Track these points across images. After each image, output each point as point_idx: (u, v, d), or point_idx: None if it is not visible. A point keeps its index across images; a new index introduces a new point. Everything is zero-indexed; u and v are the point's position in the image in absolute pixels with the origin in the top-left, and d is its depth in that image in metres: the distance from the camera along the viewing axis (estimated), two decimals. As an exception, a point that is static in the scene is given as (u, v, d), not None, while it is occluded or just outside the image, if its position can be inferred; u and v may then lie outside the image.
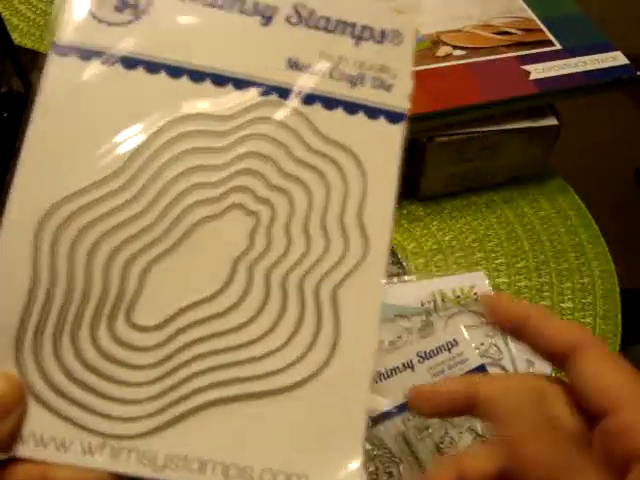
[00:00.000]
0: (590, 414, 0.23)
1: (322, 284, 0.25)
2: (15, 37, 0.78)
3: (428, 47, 0.58)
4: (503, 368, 0.47)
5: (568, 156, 0.63)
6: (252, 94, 0.26)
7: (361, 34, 0.28)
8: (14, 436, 0.23)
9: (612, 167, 0.66)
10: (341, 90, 0.27)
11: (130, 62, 0.26)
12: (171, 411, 0.24)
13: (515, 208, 0.60)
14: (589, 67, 0.56)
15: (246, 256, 0.25)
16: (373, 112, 0.27)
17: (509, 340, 0.49)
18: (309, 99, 0.27)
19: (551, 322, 0.26)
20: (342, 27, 0.28)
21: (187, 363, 0.24)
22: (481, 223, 0.59)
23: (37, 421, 0.23)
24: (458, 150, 0.56)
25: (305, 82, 0.27)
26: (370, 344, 0.25)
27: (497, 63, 0.57)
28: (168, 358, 0.24)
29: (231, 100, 0.26)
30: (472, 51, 0.58)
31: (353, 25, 0.28)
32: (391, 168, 0.27)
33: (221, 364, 0.24)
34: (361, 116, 0.27)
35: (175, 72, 0.26)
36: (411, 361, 0.45)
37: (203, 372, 0.24)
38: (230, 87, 0.26)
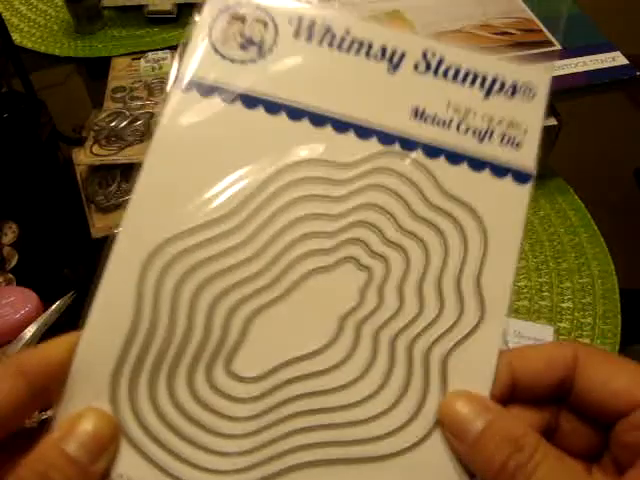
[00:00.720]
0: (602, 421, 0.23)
1: (433, 349, 0.24)
2: (15, 37, 0.78)
3: (428, 47, 0.58)
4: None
5: (568, 156, 0.63)
6: (374, 143, 0.25)
7: (491, 86, 0.26)
8: (105, 476, 0.22)
9: (612, 167, 0.66)
10: (467, 144, 0.26)
11: (251, 101, 0.25)
12: (262, 469, 0.23)
13: (515, 208, 0.60)
14: (589, 67, 0.56)
15: (355, 313, 0.24)
16: (500, 170, 0.26)
17: (508, 340, 0.49)
18: (433, 152, 0.26)
19: (534, 352, 0.24)
20: (472, 78, 0.26)
21: (285, 419, 0.23)
22: (481, 223, 0.59)
23: (126, 463, 0.23)
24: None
25: (430, 134, 0.26)
26: None
27: (497, 63, 0.57)
28: (265, 412, 0.23)
29: (352, 147, 0.25)
30: (472, 51, 0.58)
31: (484, 76, 0.26)
32: (515, 231, 0.25)
33: (321, 424, 0.24)
34: (487, 173, 0.26)
35: (296, 114, 0.25)
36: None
37: (301, 430, 0.23)
38: (351, 134, 0.25)
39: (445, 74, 0.26)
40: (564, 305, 0.53)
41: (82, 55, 0.78)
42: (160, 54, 0.75)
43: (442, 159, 0.25)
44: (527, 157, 0.27)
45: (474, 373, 0.24)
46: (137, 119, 0.64)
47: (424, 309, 0.25)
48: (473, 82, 0.26)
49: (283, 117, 0.25)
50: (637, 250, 0.59)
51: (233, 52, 0.26)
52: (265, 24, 0.26)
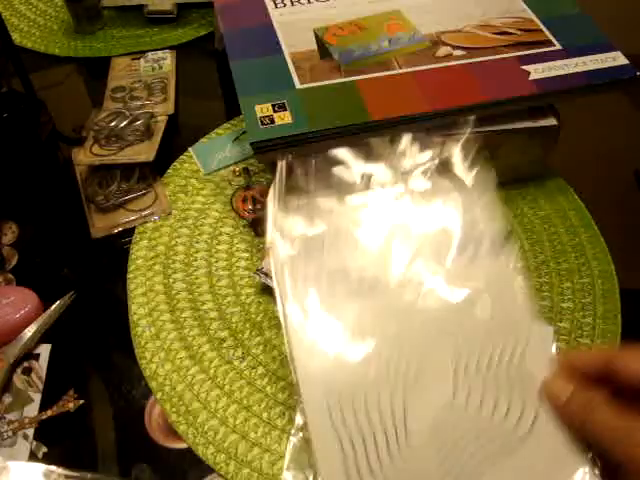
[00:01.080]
0: None
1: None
2: (15, 37, 0.78)
3: (428, 47, 0.58)
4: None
5: (568, 156, 0.63)
6: None
7: None
8: None
9: (612, 167, 0.66)
10: None
11: None
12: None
13: (515, 208, 0.60)
14: (589, 67, 0.56)
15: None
16: None
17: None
18: None
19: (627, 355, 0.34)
20: None
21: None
22: (481, 223, 0.59)
23: None
24: (458, 150, 0.56)
25: None
26: None
27: (497, 63, 0.57)
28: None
29: None
30: (472, 51, 0.58)
31: None
32: None
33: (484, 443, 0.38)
34: None
35: None
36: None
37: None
38: None
39: None
40: (564, 305, 0.53)
41: (82, 55, 0.78)
42: (160, 54, 0.75)
43: None
44: None
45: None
46: (137, 119, 0.64)
47: None
48: None
49: None
50: (637, 250, 0.59)
51: None
52: None
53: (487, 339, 0.40)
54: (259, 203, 0.59)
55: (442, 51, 0.58)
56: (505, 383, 0.39)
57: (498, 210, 0.44)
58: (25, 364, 0.50)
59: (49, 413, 0.47)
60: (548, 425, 0.36)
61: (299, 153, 0.50)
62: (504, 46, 0.58)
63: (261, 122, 0.52)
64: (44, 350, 0.51)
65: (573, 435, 0.36)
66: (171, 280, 0.55)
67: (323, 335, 0.41)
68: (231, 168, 0.64)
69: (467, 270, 0.43)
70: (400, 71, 0.56)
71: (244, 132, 0.66)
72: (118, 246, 0.58)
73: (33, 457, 0.45)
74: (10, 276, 0.56)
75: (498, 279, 0.43)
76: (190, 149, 0.66)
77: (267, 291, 0.53)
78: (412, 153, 0.48)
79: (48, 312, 0.52)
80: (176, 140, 0.67)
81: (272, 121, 0.52)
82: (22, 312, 0.51)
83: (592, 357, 0.36)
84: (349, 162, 0.48)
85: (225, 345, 0.51)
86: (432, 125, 0.54)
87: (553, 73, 0.56)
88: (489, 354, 0.40)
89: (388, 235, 0.45)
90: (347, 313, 0.41)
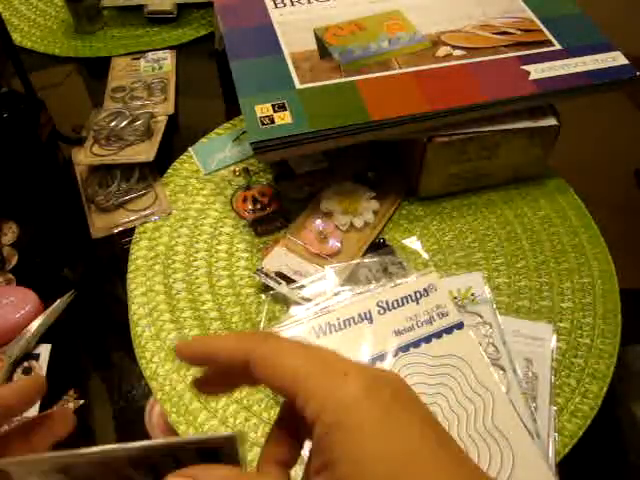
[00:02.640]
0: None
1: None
2: (15, 37, 0.78)
3: (428, 47, 0.58)
4: (502, 367, 0.47)
5: (568, 156, 0.63)
6: None
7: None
8: None
9: (612, 167, 0.66)
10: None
11: None
12: None
13: (515, 208, 0.60)
14: (589, 67, 0.56)
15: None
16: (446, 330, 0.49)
17: (506, 339, 0.49)
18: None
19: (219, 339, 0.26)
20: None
21: None
22: (481, 223, 0.59)
23: None
24: (458, 150, 0.56)
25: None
26: None
27: (497, 63, 0.57)
28: None
29: None
30: (472, 51, 0.58)
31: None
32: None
33: None
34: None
35: None
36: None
37: None
38: None
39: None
40: (564, 305, 0.53)
41: (82, 55, 0.77)
42: (160, 54, 0.75)
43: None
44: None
45: None
46: (137, 119, 0.64)
47: None
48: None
49: None
50: (637, 250, 0.59)
51: None
52: None
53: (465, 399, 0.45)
54: (259, 203, 0.59)
55: (442, 51, 0.58)
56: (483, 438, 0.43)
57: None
58: (25, 364, 0.50)
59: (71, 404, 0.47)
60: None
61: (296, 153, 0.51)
62: (504, 46, 0.58)
63: (261, 122, 0.52)
64: (44, 350, 0.50)
65: None
66: (171, 280, 0.55)
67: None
68: (231, 168, 0.64)
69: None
70: (400, 71, 0.56)
71: (244, 132, 0.66)
72: (118, 246, 0.58)
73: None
74: (10, 276, 0.56)
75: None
76: (190, 149, 0.66)
77: (267, 291, 0.53)
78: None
79: (48, 312, 0.52)
80: (176, 140, 0.67)
81: (272, 121, 0.52)
82: (22, 312, 0.51)
83: (226, 346, 0.26)
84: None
85: (225, 345, 0.51)
86: (432, 125, 0.54)
87: (553, 73, 0.56)
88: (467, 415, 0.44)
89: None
90: None
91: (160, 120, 0.65)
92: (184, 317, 0.53)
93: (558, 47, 0.58)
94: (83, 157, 0.62)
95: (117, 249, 0.58)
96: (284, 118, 0.52)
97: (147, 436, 0.46)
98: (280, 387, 0.24)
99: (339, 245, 0.55)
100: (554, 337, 0.50)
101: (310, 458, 0.24)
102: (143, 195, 0.61)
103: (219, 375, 0.27)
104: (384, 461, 0.21)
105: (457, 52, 0.57)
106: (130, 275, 0.55)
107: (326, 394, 0.23)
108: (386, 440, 0.22)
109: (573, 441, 0.45)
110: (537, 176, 0.62)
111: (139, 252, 0.57)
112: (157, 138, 0.63)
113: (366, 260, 0.54)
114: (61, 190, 0.63)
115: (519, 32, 0.60)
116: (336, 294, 0.51)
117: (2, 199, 0.60)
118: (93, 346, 0.52)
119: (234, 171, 0.63)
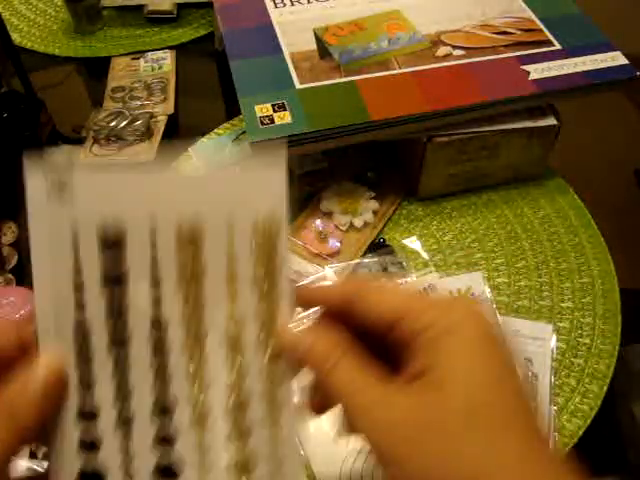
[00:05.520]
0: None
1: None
2: (15, 37, 0.78)
3: (428, 47, 0.58)
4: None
5: (568, 156, 0.63)
6: None
7: None
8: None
9: (612, 167, 0.66)
10: None
11: None
12: None
13: (515, 208, 0.60)
14: (589, 67, 0.56)
15: None
16: None
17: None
18: None
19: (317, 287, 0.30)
20: None
21: None
22: (481, 223, 0.59)
23: None
24: (458, 150, 0.56)
25: None
26: None
27: (497, 63, 0.57)
28: None
29: None
30: (472, 51, 0.58)
31: None
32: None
33: None
34: None
35: None
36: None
37: None
38: None
39: None
40: (564, 305, 0.53)
41: (82, 55, 0.77)
42: (160, 54, 0.75)
43: None
44: None
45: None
46: (137, 119, 0.64)
47: None
48: None
49: None
50: (637, 250, 0.59)
51: None
52: None
53: None
54: (259, 203, 0.59)
55: (442, 51, 0.58)
56: None
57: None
58: (25, 364, 0.50)
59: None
60: None
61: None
62: (504, 46, 0.58)
63: (261, 122, 0.52)
64: (44, 350, 0.50)
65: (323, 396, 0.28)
66: (171, 280, 0.55)
67: None
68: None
69: None
70: (400, 71, 0.56)
71: (244, 132, 0.66)
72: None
73: (33, 457, 0.45)
74: (10, 276, 0.56)
75: None
76: (190, 149, 0.66)
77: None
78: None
79: (48, 312, 0.52)
80: (176, 140, 0.67)
81: (272, 121, 0.52)
82: (22, 312, 0.51)
83: (334, 292, 0.29)
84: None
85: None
86: (432, 125, 0.54)
87: (553, 73, 0.56)
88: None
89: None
90: None
91: (160, 120, 0.65)
92: (184, 317, 0.52)
93: (558, 47, 0.58)
94: (83, 157, 0.62)
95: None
96: (284, 118, 0.52)
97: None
98: (384, 319, 0.26)
99: (339, 245, 0.55)
100: (554, 337, 0.50)
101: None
102: (143, 195, 0.61)
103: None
104: (471, 384, 0.24)
105: (457, 52, 0.57)
106: (130, 275, 0.55)
107: (436, 314, 0.25)
108: (481, 366, 0.25)
109: (573, 441, 0.45)
110: (537, 176, 0.62)
111: (139, 252, 0.57)
112: (157, 138, 0.63)
113: (366, 260, 0.54)
114: (61, 190, 0.63)
115: (519, 32, 0.60)
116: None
117: (2, 199, 0.60)
118: (93, 346, 0.52)
119: (234, 171, 0.63)
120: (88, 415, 0.27)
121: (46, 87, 0.72)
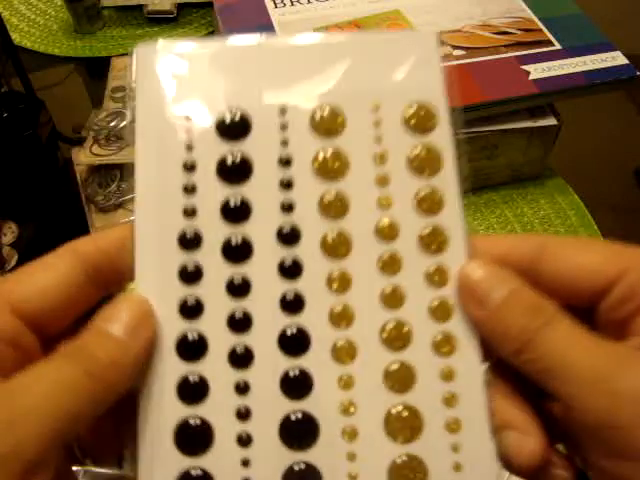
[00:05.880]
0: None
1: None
2: (15, 37, 0.78)
3: (428, 47, 0.58)
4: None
5: (568, 156, 0.63)
6: None
7: None
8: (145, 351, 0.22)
9: (612, 167, 0.66)
10: None
11: None
12: None
13: (515, 208, 0.60)
14: (589, 67, 0.56)
15: None
16: None
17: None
18: None
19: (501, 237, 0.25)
20: None
21: None
22: (481, 223, 0.59)
23: None
24: (458, 150, 0.56)
25: None
26: None
27: (497, 63, 0.57)
28: None
29: None
30: (472, 51, 0.58)
31: None
32: None
33: None
34: None
35: None
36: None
37: None
38: None
39: None
40: (564, 305, 0.53)
41: (82, 55, 0.77)
42: (160, 54, 0.75)
43: None
44: None
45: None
46: (137, 119, 0.64)
47: None
48: None
49: None
50: (637, 250, 0.59)
51: None
52: None
53: None
54: (259, 203, 0.59)
55: (441, 51, 0.58)
56: None
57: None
58: (25, 364, 0.50)
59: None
60: None
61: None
62: (504, 46, 0.58)
63: (261, 122, 0.52)
64: (44, 350, 0.50)
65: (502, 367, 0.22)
66: (171, 280, 0.55)
67: None
68: (231, 168, 0.64)
69: None
70: (400, 71, 0.56)
71: (244, 132, 0.66)
72: (118, 246, 0.58)
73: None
74: (10, 276, 0.56)
75: None
76: (190, 149, 0.66)
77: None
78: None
79: (48, 312, 0.52)
80: (176, 140, 0.67)
81: (272, 121, 0.52)
82: (22, 312, 0.51)
83: (518, 245, 0.23)
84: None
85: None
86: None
87: (553, 73, 0.56)
88: None
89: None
90: None
91: (160, 120, 0.65)
92: (184, 317, 0.52)
93: (558, 47, 0.58)
94: (83, 157, 0.62)
95: (117, 249, 0.58)
96: (284, 118, 0.52)
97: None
98: (588, 283, 0.21)
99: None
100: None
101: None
102: (143, 195, 0.61)
103: None
104: None
105: (457, 52, 0.57)
106: (130, 275, 0.55)
107: None
108: None
109: (573, 441, 0.45)
110: (537, 176, 0.62)
111: (139, 252, 0.57)
112: (157, 138, 0.63)
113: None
114: (61, 190, 0.63)
115: (519, 32, 0.60)
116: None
117: (2, 199, 0.60)
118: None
119: (234, 171, 0.63)
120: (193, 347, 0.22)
121: (46, 87, 0.72)
